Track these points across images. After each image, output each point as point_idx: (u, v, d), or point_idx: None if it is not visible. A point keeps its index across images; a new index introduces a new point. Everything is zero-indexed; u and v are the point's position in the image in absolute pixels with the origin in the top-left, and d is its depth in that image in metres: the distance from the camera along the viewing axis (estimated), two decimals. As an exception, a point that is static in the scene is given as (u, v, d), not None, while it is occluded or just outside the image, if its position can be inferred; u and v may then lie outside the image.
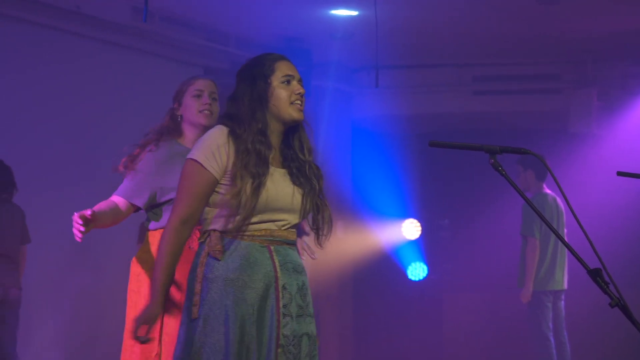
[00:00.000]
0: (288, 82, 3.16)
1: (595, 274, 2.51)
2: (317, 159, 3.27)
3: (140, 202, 3.80)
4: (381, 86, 7.39)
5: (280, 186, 3.12)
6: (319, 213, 3.20)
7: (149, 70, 7.35)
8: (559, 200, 7.31)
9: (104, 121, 6.90)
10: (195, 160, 3.07)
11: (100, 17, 6.84)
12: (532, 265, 7.09)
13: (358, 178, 9.23)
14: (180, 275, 3.42)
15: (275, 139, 3.18)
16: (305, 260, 3.46)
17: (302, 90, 3.17)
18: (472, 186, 9.21)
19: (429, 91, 9.01)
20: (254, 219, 3.06)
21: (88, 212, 3.52)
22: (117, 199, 3.81)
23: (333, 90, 8.70)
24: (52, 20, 6.62)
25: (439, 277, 9.56)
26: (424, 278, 9.53)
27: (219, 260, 3.04)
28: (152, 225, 3.85)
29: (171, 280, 3.09)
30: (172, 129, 3.92)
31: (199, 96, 3.89)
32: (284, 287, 3.07)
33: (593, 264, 2.55)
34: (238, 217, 3.04)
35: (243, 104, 3.14)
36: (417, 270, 9.54)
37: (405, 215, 9.45)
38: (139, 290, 3.79)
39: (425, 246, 9.54)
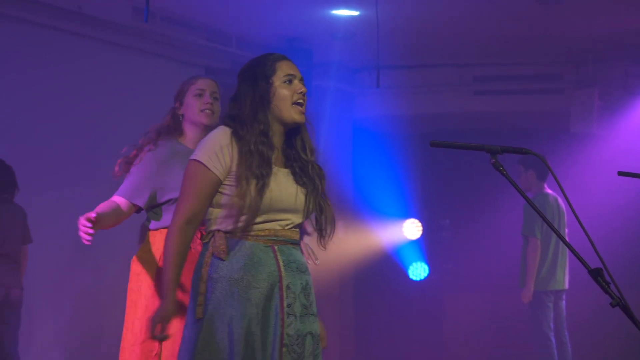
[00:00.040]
0: (290, 81, 3.17)
1: (596, 274, 2.51)
2: (319, 159, 3.28)
3: (141, 202, 3.80)
4: (382, 86, 7.41)
5: (283, 186, 3.13)
6: (322, 213, 3.21)
7: (150, 70, 7.34)
8: (560, 200, 7.31)
9: (104, 121, 6.89)
10: (199, 161, 3.08)
11: (101, 17, 6.83)
12: (534, 265, 7.09)
13: (359, 178, 9.23)
14: (183, 275, 3.41)
15: (277, 139, 3.18)
16: (308, 263, 3.46)
17: (304, 89, 3.18)
18: (473, 186, 9.21)
19: (429, 91, 9.02)
20: (258, 219, 3.07)
21: (93, 215, 3.52)
22: (118, 199, 3.81)
23: (334, 90, 8.70)
24: (52, 20, 6.62)
25: (440, 277, 9.56)
26: (425, 278, 9.53)
27: (224, 261, 3.05)
28: (152, 225, 3.85)
29: (180, 279, 3.09)
30: (172, 128, 3.93)
31: (200, 95, 3.89)
32: (288, 287, 3.08)
33: (594, 263, 2.55)
34: (243, 218, 3.05)
35: (245, 105, 3.14)
36: (418, 270, 9.54)
37: (406, 215, 9.45)
38: (139, 289, 3.79)
39: (426, 246, 9.54)
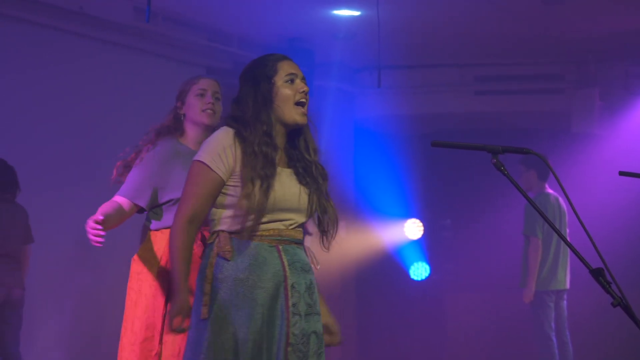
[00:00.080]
0: (292, 80, 3.18)
1: (597, 274, 2.51)
2: (321, 159, 3.28)
3: (142, 202, 3.80)
4: (383, 86, 7.41)
5: (287, 186, 3.14)
6: (325, 213, 3.22)
7: (151, 70, 7.34)
8: (561, 200, 7.31)
9: (104, 121, 6.89)
10: (202, 162, 3.09)
11: (102, 17, 6.83)
12: (535, 265, 7.09)
13: (360, 178, 9.23)
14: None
15: (280, 139, 3.19)
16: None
17: (306, 88, 3.19)
18: (475, 186, 9.21)
19: (430, 91, 9.01)
20: (263, 219, 3.08)
21: (100, 217, 3.52)
22: (120, 199, 3.81)
23: (335, 90, 8.70)
24: (52, 20, 6.62)
25: (441, 277, 9.55)
26: (427, 278, 9.53)
27: (229, 261, 3.06)
28: (153, 225, 3.84)
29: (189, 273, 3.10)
30: (173, 127, 3.93)
31: (202, 95, 3.90)
32: (292, 286, 3.09)
33: (595, 263, 2.55)
34: (248, 218, 3.06)
35: (247, 106, 3.15)
36: (419, 270, 9.53)
37: (407, 215, 9.44)
38: (139, 288, 3.79)
39: (428, 246, 9.53)
